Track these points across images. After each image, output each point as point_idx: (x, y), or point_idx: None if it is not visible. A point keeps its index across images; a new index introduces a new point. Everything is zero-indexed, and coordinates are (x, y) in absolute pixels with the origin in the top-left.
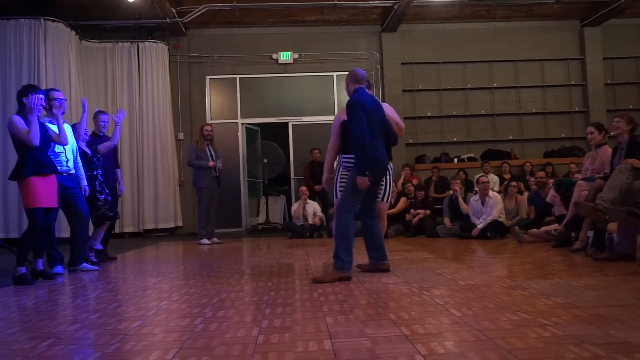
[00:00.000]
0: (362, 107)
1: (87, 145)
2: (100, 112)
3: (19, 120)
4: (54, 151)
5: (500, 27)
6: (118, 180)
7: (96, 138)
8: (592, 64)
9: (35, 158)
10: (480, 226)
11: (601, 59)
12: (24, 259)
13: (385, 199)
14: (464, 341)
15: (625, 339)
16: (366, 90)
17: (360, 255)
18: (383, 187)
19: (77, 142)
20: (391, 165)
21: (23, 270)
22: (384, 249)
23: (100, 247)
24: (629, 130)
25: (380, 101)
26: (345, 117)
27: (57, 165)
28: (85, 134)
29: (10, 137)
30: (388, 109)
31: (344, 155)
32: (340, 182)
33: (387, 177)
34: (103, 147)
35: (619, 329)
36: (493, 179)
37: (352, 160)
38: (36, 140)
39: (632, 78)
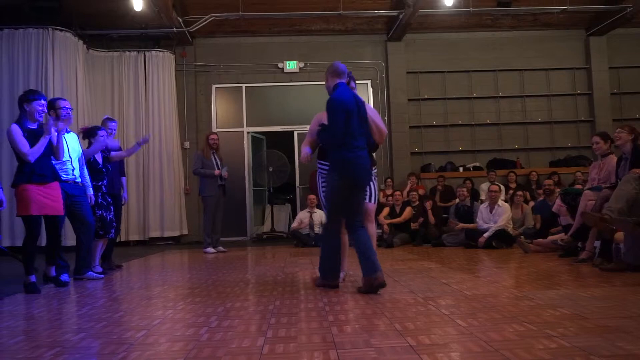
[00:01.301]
0: (340, 107)
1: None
2: (108, 119)
3: (16, 133)
4: (61, 159)
5: (505, 37)
6: (123, 188)
7: None
8: (598, 73)
9: (30, 166)
10: (486, 234)
11: (607, 68)
12: (30, 267)
13: (372, 200)
14: (470, 352)
15: (632, 351)
16: (347, 86)
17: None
18: (368, 189)
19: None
20: (374, 169)
21: (33, 278)
22: (374, 259)
23: (99, 268)
24: (632, 140)
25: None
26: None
27: (62, 173)
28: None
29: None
30: (371, 111)
31: (320, 162)
32: (323, 191)
33: (373, 177)
34: (116, 155)
35: (627, 341)
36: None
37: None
38: (33, 158)
39: (638, 87)
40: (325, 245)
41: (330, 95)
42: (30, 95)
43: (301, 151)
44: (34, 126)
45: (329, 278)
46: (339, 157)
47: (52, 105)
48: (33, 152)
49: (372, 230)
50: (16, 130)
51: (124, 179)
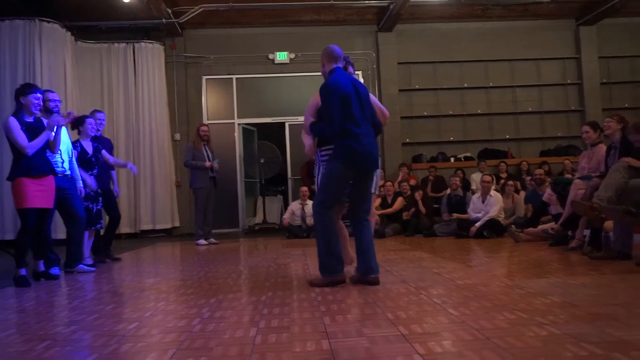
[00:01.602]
0: (335, 92)
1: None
2: (96, 110)
3: (14, 125)
4: (56, 152)
5: (496, 27)
6: (113, 182)
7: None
8: (588, 63)
9: (26, 159)
10: (478, 224)
11: (597, 58)
12: (21, 260)
13: (375, 190)
14: (461, 340)
15: (622, 338)
16: (343, 70)
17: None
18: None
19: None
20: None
21: (23, 272)
22: (371, 260)
23: (90, 261)
24: (621, 129)
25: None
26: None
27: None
28: (92, 131)
29: (5, 138)
30: (370, 95)
31: (321, 149)
32: (319, 177)
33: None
34: (113, 160)
35: (616, 328)
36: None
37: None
38: (32, 151)
39: (628, 77)
40: (323, 235)
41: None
42: (26, 89)
43: (304, 143)
44: (30, 119)
45: (332, 271)
46: (344, 146)
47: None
48: (32, 146)
49: (372, 222)
50: (14, 123)
51: (113, 173)
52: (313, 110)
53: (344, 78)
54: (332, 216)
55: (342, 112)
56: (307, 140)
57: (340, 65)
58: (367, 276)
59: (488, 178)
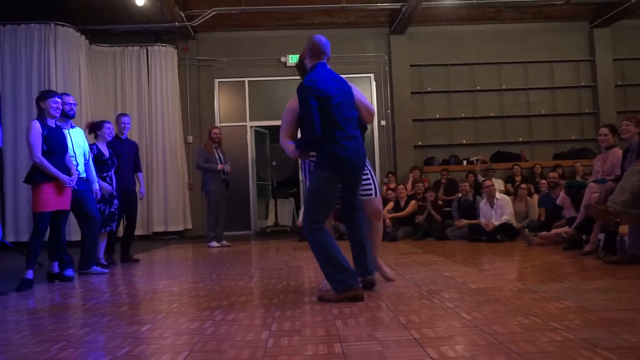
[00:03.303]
0: (313, 94)
1: (108, 146)
2: (121, 114)
3: (35, 130)
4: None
5: (509, 29)
6: (140, 183)
7: (117, 141)
8: (602, 65)
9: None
10: (496, 222)
11: (611, 60)
12: (31, 262)
13: (377, 195)
14: (474, 345)
15: (637, 344)
16: (325, 67)
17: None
18: (370, 182)
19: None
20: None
21: (29, 275)
22: (366, 260)
23: (104, 262)
24: (639, 133)
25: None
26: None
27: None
28: (110, 135)
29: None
30: (356, 91)
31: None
32: (307, 184)
33: (369, 170)
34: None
35: (631, 333)
36: (497, 181)
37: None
38: (38, 161)
39: None
40: (320, 254)
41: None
42: (45, 94)
43: (285, 149)
44: (52, 124)
45: (347, 286)
46: (328, 153)
47: None
48: (41, 163)
49: (379, 225)
50: (35, 128)
51: (140, 175)
52: (291, 116)
53: (324, 76)
54: (324, 229)
55: (323, 116)
56: (288, 146)
57: (324, 60)
58: (362, 277)
59: (489, 183)
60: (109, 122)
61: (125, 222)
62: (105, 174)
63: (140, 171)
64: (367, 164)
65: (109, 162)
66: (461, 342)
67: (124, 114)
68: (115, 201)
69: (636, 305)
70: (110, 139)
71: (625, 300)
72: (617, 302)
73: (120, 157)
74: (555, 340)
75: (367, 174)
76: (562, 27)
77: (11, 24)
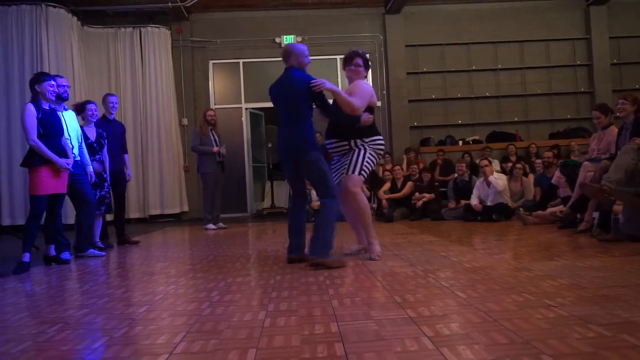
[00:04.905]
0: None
1: (95, 126)
2: (108, 94)
3: (29, 113)
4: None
5: (504, 8)
6: (126, 166)
7: (105, 121)
8: (598, 43)
9: (46, 147)
10: (490, 203)
11: (607, 39)
12: (27, 245)
13: (347, 172)
14: (469, 323)
15: (630, 319)
16: (286, 72)
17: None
18: (348, 160)
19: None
20: (358, 141)
21: (26, 258)
22: (299, 238)
23: (101, 244)
24: (634, 111)
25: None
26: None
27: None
28: (94, 117)
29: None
30: (354, 86)
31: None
32: (365, 163)
33: (357, 148)
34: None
35: (624, 309)
36: (493, 161)
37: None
38: (34, 144)
39: (639, 57)
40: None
41: None
42: (41, 77)
43: (360, 115)
44: (47, 107)
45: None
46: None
47: None
48: (37, 146)
49: (354, 205)
50: (30, 111)
51: (126, 156)
52: (370, 93)
53: (276, 82)
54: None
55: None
56: (365, 114)
57: (290, 64)
58: (311, 256)
59: (485, 162)
60: (92, 103)
61: (114, 204)
62: (91, 158)
63: (126, 152)
64: (359, 142)
65: (95, 145)
66: (456, 320)
67: (111, 94)
68: (106, 184)
69: (629, 282)
70: (94, 120)
71: (618, 278)
72: (610, 280)
73: (107, 138)
74: (548, 317)
75: (348, 149)
76: (559, 5)
77: (1, 5)
